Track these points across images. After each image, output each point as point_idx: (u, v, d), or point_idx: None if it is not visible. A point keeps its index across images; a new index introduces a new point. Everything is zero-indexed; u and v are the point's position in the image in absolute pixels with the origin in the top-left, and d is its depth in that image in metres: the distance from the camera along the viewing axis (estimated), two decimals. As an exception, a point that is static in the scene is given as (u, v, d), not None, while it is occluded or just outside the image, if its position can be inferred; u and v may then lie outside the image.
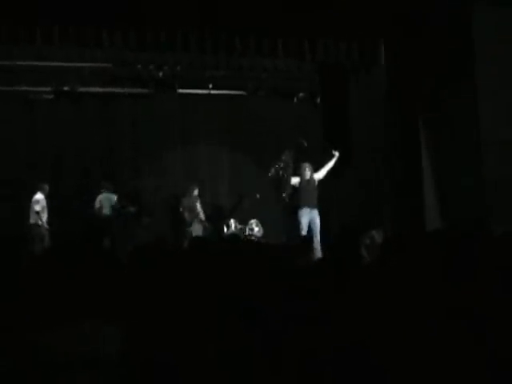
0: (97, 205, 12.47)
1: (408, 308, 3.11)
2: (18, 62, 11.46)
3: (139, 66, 12.40)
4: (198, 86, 13.46)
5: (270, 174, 11.99)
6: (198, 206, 13.16)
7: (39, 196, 12.00)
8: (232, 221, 13.16)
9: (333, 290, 3.55)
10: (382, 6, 9.84)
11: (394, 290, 3.29)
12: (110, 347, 2.76)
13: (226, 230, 13.14)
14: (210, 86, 13.39)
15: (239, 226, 13.09)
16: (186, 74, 12.93)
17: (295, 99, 13.99)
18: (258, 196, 12.86)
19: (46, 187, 12.13)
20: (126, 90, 13.13)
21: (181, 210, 13.05)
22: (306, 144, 12.15)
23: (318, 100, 12.99)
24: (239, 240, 4.65)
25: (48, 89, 12.50)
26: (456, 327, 2.98)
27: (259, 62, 12.53)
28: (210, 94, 13.53)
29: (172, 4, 9.59)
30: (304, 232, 11.62)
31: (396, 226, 10.52)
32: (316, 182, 11.95)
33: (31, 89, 12.44)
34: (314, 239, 11.10)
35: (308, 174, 11.87)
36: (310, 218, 11.74)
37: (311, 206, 11.76)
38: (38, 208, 11.87)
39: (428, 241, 3.79)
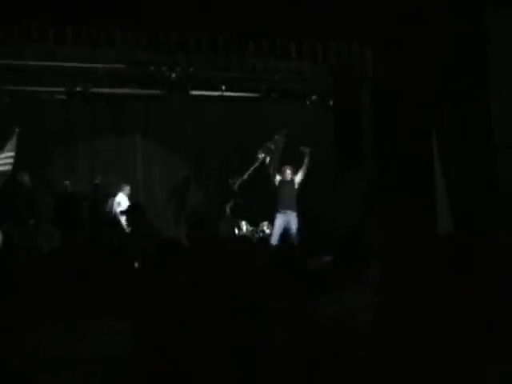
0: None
1: (417, 309, 3.08)
2: (31, 62, 11.48)
3: (152, 67, 12.41)
4: (211, 88, 13.46)
5: (259, 155, 12.06)
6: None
7: (122, 197, 12.28)
8: (243, 223, 13.14)
9: (342, 290, 3.52)
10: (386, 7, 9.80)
11: (404, 290, 3.26)
12: (118, 345, 2.74)
13: (237, 231, 13.12)
14: (223, 87, 13.39)
15: (250, 229, 13.07)
16: (199, 75, 12.93)
17: (308, 101, 13.99)
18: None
19: (128, 188, 12.41)
20: (139, 91, 13.15)
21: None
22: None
23: (331, 102, 12.93)
24: (251, 242, 4.62)
25: (61, 89, 12.52)
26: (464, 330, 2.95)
27: (272, 64, 12.51)
28: (222, 96, 13.52)
29: (184, 5, 9.57)
30: (276, 235, 11.59)
31: (405, 228, 10.42)
32: (296, 185, 12.04)
33: (43, 89, 12.46)
34: (287, 241, 10.98)
35: (289, 176, 12.04)
36: (285, 220, 11.73)
37: (288, 209, 11.76)
38: (121, 209, 12.00)
39: (440, 243, 3.76)
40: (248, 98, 13.86)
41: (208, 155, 13.93)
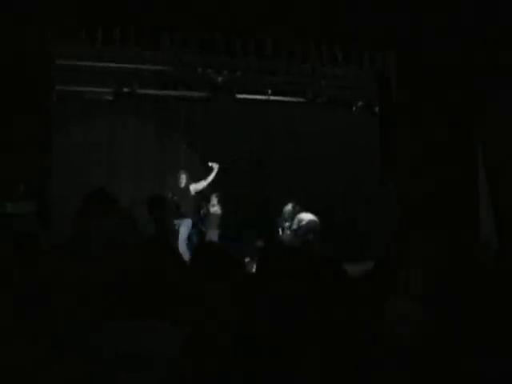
0: None
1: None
2: (78, 62, 11.55)
3: (199, 70, 12.42)
4: (257, 92, 13.42)
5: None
6: None
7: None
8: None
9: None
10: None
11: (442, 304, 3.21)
12: (168, 346, 2.73)
13: (281, 233, 13.03)
14: (269, 91, 13.35)
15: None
16: (245, 78, 12.91)
17: (354, 108, 13.90)
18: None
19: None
20: (184, 93, 13.14)
21: None
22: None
23: (377, 109, 12.79)
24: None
25: (108, 90, 12.55)
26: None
27: (319, 69, 12.44)
28: (268, 100, 13.48)
29: (232, 8, 9.58)
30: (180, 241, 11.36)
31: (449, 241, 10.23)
32: (192, 192, 11.91)
33: (90, 89, 12.51)
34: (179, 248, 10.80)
35: (183, 182, 11.83)
36: (178, 225, 11.54)
37: (182, 216, 11.60)
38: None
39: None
40: (294, 102, 13.77)
41: (251, 159, 13.85)
